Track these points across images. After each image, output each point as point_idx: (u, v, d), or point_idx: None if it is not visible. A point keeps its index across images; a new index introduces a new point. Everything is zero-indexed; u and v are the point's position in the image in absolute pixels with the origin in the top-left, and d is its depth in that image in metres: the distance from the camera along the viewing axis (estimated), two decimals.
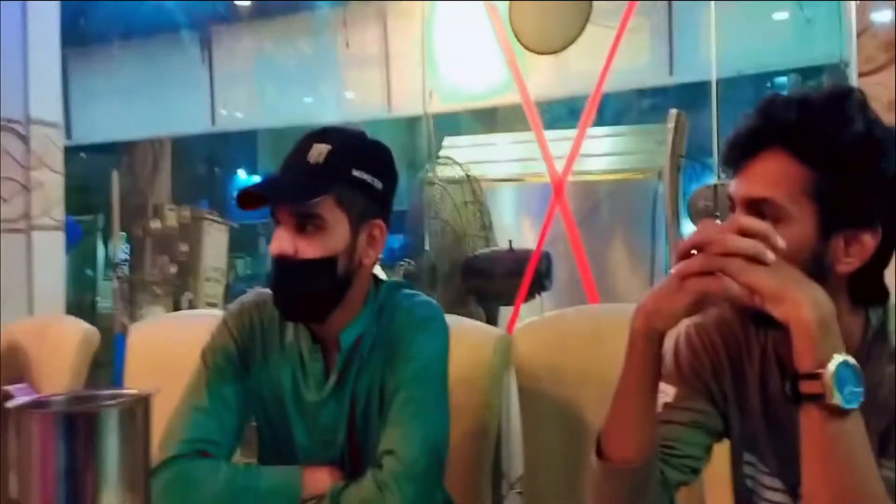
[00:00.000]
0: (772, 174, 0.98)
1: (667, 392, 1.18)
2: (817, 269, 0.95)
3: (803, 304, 0.88)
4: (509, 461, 2.57)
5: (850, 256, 0.98)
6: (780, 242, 0.91)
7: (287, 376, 1.38)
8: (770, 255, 0.89)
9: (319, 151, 1.26)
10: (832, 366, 0.86)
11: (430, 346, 1.34)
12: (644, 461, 1.03)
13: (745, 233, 0.91)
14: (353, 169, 1.29)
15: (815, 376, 0.87)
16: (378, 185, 1.31)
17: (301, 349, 1.38)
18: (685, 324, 1.18)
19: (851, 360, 0.87)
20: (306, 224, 1.26)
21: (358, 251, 1.31)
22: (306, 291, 1.28)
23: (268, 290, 1.40)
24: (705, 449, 1.17)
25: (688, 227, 3.25)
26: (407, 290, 1.43)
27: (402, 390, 1.29)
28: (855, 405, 0.87)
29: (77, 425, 0.69)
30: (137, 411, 0.73)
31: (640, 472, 1.04)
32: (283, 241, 1.26)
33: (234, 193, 1.30)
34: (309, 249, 1.26)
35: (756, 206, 0.99)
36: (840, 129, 0.97)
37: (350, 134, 1.33)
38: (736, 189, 1.02)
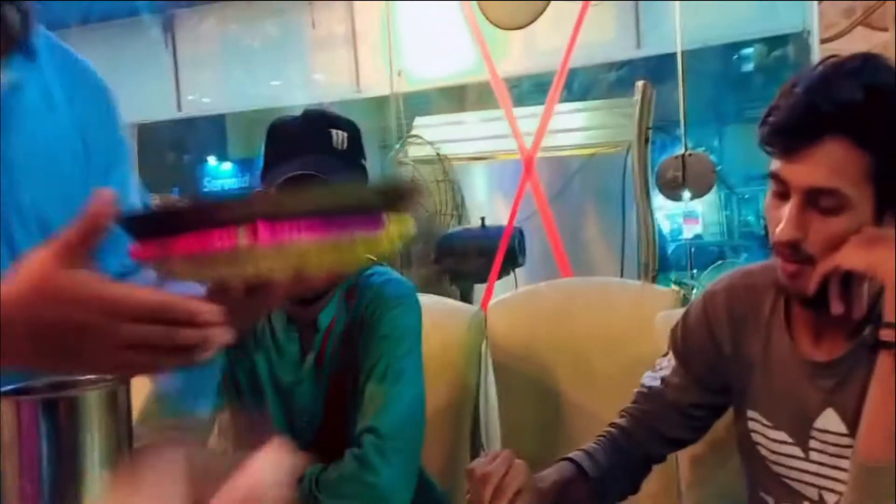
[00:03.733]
0: (836, 163, 0.95)
1: (664, 365, 1.24)
2: None
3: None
4: (487, 435, 2.59)
5: None
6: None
7: (262, 359, 1.39)
8: None
9: (341, 138, 1.29)
10: None
11: (402, 322, 1.36)
12: None
13: None
14: (360, 156, 1.35)
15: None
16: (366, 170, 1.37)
17: (274, 331, 1.38)
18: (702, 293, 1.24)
19: None
20: None
21: None
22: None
23: None
24: (694, 429, 1.24)
25: (656, 199, 3.28)
26: (376, 269, 1.45)
27: (377, 366, 1.31)
28: None
29: (59, 410, 0.70)
30: (119, 394, 0.74)
31: None
32: None
33: (277, 180, 1.30)
34: None
35: (816, 195, 0.97)
36: None
37: (352, 122, 1.37)
38: (793, 175, 0.98)
